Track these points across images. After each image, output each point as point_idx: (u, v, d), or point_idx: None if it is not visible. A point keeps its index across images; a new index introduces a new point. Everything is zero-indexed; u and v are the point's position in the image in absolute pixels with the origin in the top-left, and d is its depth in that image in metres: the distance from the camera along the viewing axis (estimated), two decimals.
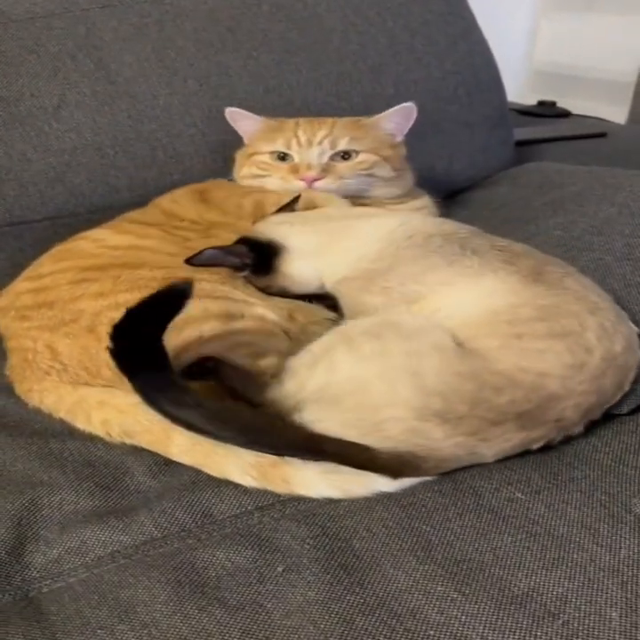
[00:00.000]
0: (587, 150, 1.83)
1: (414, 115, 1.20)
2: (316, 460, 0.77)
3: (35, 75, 1.21)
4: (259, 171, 1.19)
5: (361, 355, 0.79)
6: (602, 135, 1.95)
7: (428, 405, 0.75)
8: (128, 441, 0.84)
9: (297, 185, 1.13)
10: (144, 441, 0.83)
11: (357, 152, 1.16)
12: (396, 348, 0.79)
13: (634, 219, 1.12)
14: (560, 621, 0.62)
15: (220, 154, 1.32)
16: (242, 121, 1.24)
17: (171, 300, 0.74)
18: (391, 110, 1.20)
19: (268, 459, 0.77)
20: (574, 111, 2.26)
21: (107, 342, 0.72)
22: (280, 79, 1.39)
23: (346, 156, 1.16)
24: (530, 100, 2.36)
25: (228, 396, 0.84)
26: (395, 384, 0.77)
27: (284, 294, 1.00)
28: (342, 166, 1.15)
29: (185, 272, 0.91)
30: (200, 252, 0.93)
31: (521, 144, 1.83)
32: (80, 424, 0.87)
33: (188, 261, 0.92)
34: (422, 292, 0.88)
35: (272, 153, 1.18)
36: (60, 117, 1.21)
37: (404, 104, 1.19)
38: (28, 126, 1.19)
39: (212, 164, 1.32)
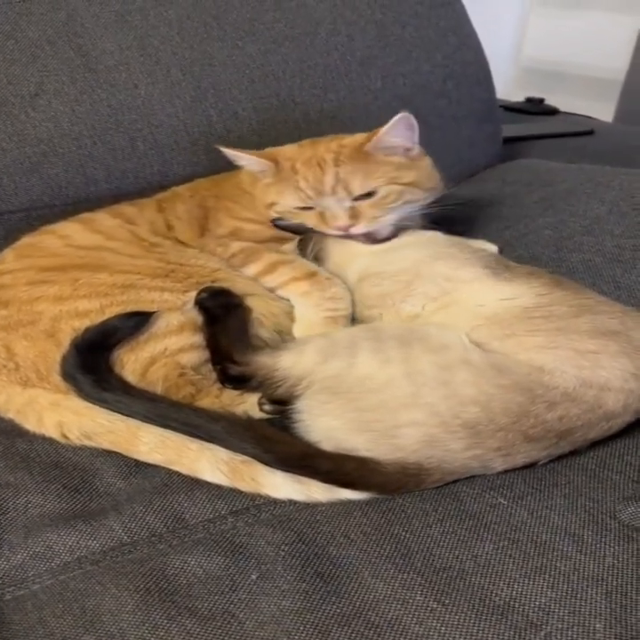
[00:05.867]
0: (574, 148, 1.82)
1: (414, 122, 1.04)
2: (308, 478, 0.75)
3: (12, 61, 1.17)
4: (291, 217, 1.07)
5: (386, 358, 0.79)
6: (589, 133, 1.94)
7: (458, 415, 0.73)
8: (88, 443, 0.82)
9: (334, 232, 1.03)
10: (107, 442, 0.81)
11: (377, 189, 1.02)
12: (424, 357, 0.78)
13: (624, 219, 1.11)
14: (543, 633, 0.60)
15: (202, 146, 1.28)
16: (239, 162, 1.08)
17: (127, 325, 0.86)
18: (388, 126, 1.02)
19: (240, 456, 0.77)
20: (562, 108, 2.25)
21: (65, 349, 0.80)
22: (266, 70, 1.36)
23: (367, 195, 1.02)
24: (517, 96, 2.34)
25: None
26: (421, 387, 0.76)
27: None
28: (367, 207, 1.02)
29: (146, 278, 0.92)
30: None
31: (508, 141, 1.82)
32: (30, 425, 0.85)
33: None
34: (447, 289, 0.90)
35: (292, 207, 1.06)
36: (37, 106, 1.17)
37: (398, 115, 1.02)
38: (3, 114, 1.15)
39: (192, 156, 1.28)
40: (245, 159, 1.06)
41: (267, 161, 1.05)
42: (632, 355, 0.77)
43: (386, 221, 1.03)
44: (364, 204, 1.02)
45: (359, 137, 1.06)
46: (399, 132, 1.03)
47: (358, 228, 1.02)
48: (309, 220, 1.04)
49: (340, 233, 1.03)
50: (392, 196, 1.03)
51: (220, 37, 1.33)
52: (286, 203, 1.05)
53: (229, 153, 1.05)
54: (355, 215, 1.01)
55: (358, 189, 1.01)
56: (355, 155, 1.03)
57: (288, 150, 1.09)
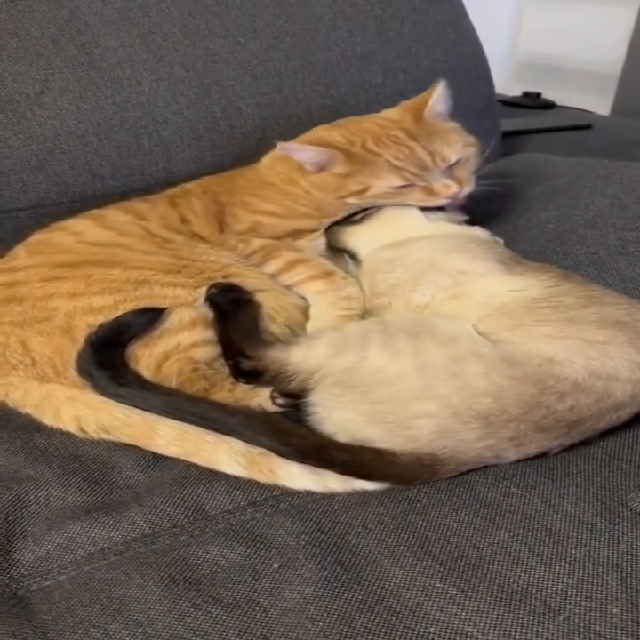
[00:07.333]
0: (572, 142, 1.83)
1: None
2: (324, 469, 0.76)
3: (16, 59, 1.17)
4: (385, 199, 1.06)
5: (397, 351, 0.80)
6: (587, 127, 1.95)
7: (470, 406, 0.74)
8: (106, 437, 0.83)
9: (441, 202, 1.04)
10: (125, 435, 0.82)
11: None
12: (434, 350, 0.79)
13: (626, 211, 1.12)
14: (561, 617, 0.61)
15: (207, 141, 1.29)
16: (297, 154, 1.05)
17: (139, 322, 0.87)
18: (436, 93, 1.04)
19: (257, 448, 0.78)
20: (559, 102, 2.26)
21: (81, 345, 0.83)
22: (268, 66, 1.36)
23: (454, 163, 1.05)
24: (514, 91, 2.36)
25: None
26: (432, 379, 0.77)
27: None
28: (460, 171, 1.05)
29: (159, 273, 0.92)
30: None
31: (506, 135, 1.82)
32: (48, 420, 0.86)
33: None
34: (460, 281, 0.91)
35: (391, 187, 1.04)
36: (42, 103, 1.18)
37: (442, 83, 1.04)
38: (9, 112, 1.16)
39: (197, 152, 1.29)
40: (308, 151, 1.03)
41: (335, 151, 1.02)
42: (639, 345, 0.79)
43: (474, 181, 1.06)
44: (457, 169, 1.05)
45: (397, 110, 1.09)
46: (444, 98, 1.07)
47: (464, 191, 1.05)
48: (411, 196, 1.04)
49: (448, 201, 1.04)
50: (472, 158, 1.07)
51: (221, 34, 1.34)
52: (386, 184, 1.03)
53: (288, 146, 1.04)
54: (459, 181, 1.04)
55: (454, 156, 1.03)
56: (421, 127, 1.05)
57: (331, 137, 1.08)
